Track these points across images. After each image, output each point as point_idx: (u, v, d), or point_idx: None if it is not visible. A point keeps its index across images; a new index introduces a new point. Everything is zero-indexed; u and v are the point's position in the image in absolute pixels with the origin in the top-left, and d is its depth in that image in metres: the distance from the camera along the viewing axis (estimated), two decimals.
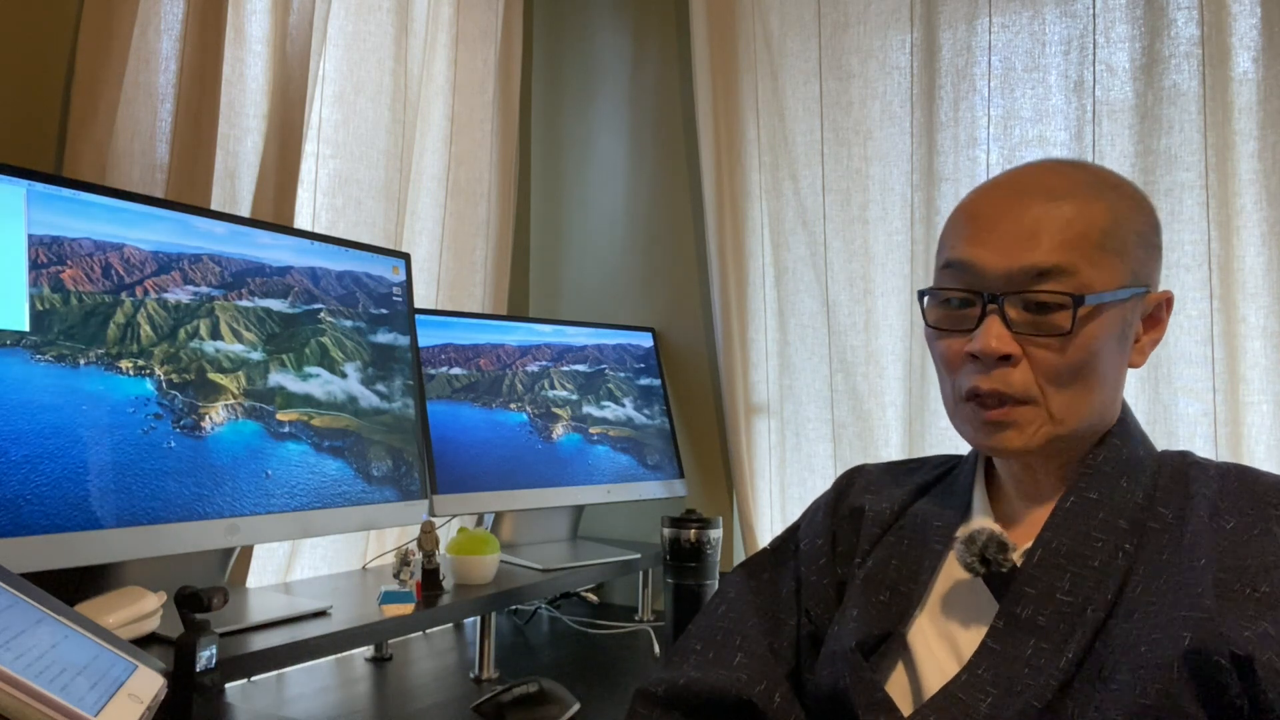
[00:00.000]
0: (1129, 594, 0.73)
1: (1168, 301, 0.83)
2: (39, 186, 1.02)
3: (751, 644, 0.87)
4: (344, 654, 1.43)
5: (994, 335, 0.76)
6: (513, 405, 1.67)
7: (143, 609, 1.01)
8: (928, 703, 0.74)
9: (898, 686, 0.80)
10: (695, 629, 0.91)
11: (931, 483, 0.92)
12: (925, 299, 0.83)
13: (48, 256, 1.02)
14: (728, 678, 0.83)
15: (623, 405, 1.84)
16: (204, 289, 1.17)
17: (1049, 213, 0.77)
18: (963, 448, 0.90)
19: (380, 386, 1.39)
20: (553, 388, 1.74)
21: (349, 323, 1.36)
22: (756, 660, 0.85)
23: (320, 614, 1.22)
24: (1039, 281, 0.76)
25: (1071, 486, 0.79)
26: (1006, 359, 0.76)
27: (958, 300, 0.80)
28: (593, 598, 1.87)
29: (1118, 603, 0.73)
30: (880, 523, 0.89)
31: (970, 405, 0.79)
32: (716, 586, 1.29)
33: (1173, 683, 0.65)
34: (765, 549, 0.96)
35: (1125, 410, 0.84)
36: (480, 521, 1.74)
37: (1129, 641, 0.70)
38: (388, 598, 1.28)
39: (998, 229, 0.78)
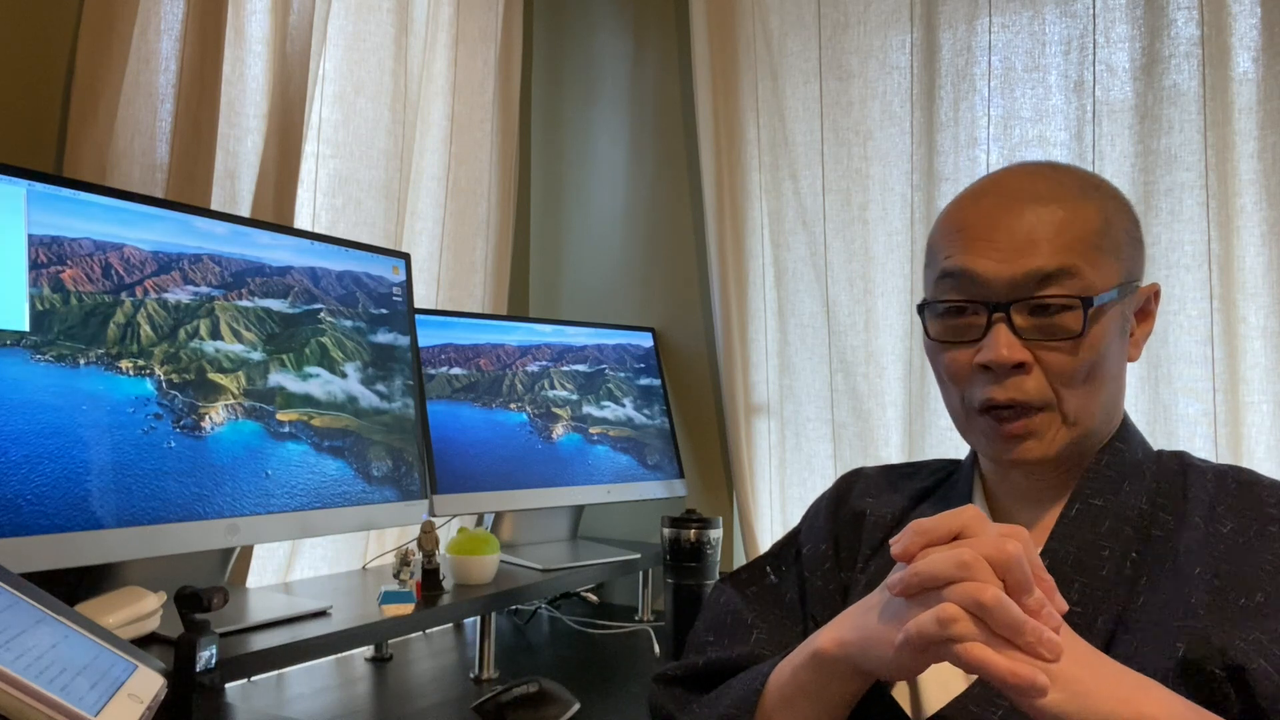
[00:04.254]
0: (1135, 604, 0.72)
1: (1155, 294, 0.82)
2: (39, 186, 1.02)
3: (764, 622, 0.87)
4: (344, 654, 1.43)
5: (1004, 344, 0.75)
6: (513, 405, 1.67)
7: (143, 609, 1.02)
8: (938, 714, 0.72)
9: (903, 696, 0.79)
10: (703, 625, 0.90)
11: (931, 488, 0.90)
12: (925, 312, 0.82)
13: (48, 256, 1.02)
14: (749, 651, 0.82)
15: (623, 405, 1.84)
16: (204, 289, 1.17)
17: (1042, 217, 0.76)
18: (962, 449, 0.90)
19: (380, 386, 1.39)
20: (553, 388, 1.74)
21: (349, 323, 1.36)
22: (775, 631, 0.85)
23: (320, 614, 1.22)
24: (1044, 285, 0.75)
25: (1075, 493, 0.78)
26: (1020, 367, 0.75)
27: (960, 311, 0.79)
28: (593, 598, 1.87)
29: (1125, 612, 0.71)
30: (882, 528, 0.88)
31: (986, 419, 0.78)
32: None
33: None
34: (757, 561, 0.95)
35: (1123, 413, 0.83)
36: (480, 521, 1.74)
37: (1132, 652, 0.69)
38: (388, 598, 1.28)
39: (993, 238, 0.76)
